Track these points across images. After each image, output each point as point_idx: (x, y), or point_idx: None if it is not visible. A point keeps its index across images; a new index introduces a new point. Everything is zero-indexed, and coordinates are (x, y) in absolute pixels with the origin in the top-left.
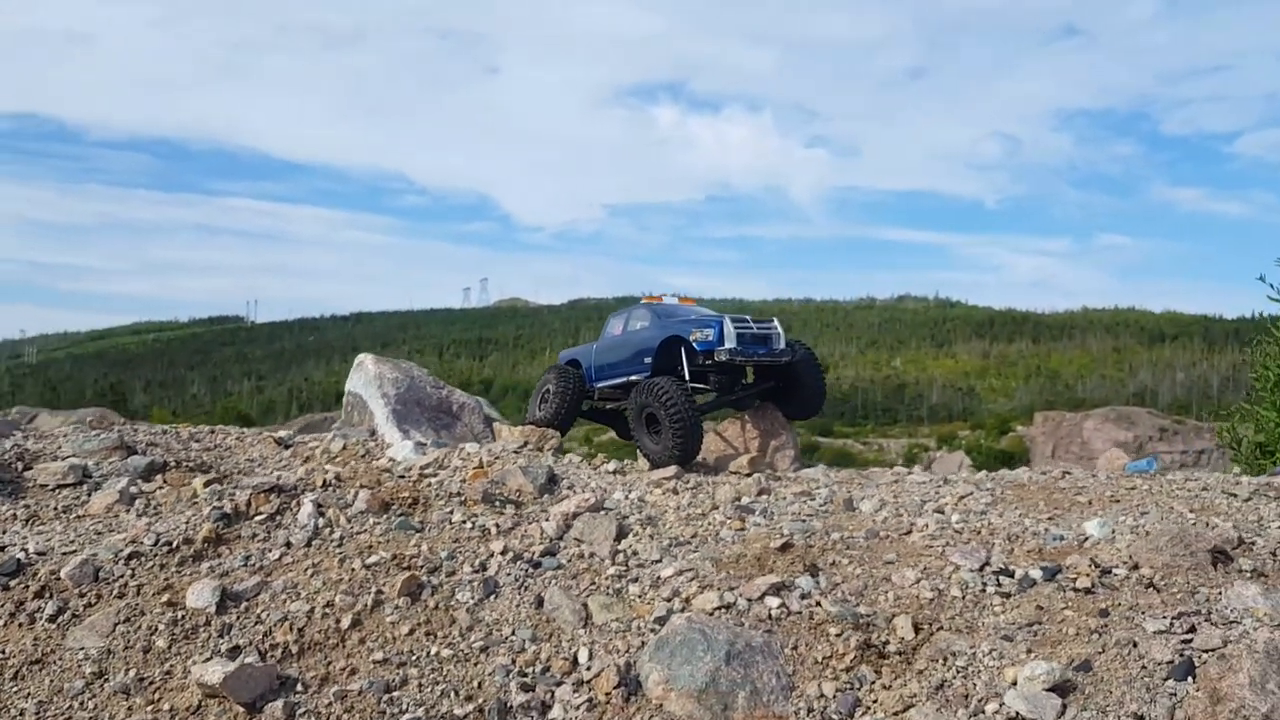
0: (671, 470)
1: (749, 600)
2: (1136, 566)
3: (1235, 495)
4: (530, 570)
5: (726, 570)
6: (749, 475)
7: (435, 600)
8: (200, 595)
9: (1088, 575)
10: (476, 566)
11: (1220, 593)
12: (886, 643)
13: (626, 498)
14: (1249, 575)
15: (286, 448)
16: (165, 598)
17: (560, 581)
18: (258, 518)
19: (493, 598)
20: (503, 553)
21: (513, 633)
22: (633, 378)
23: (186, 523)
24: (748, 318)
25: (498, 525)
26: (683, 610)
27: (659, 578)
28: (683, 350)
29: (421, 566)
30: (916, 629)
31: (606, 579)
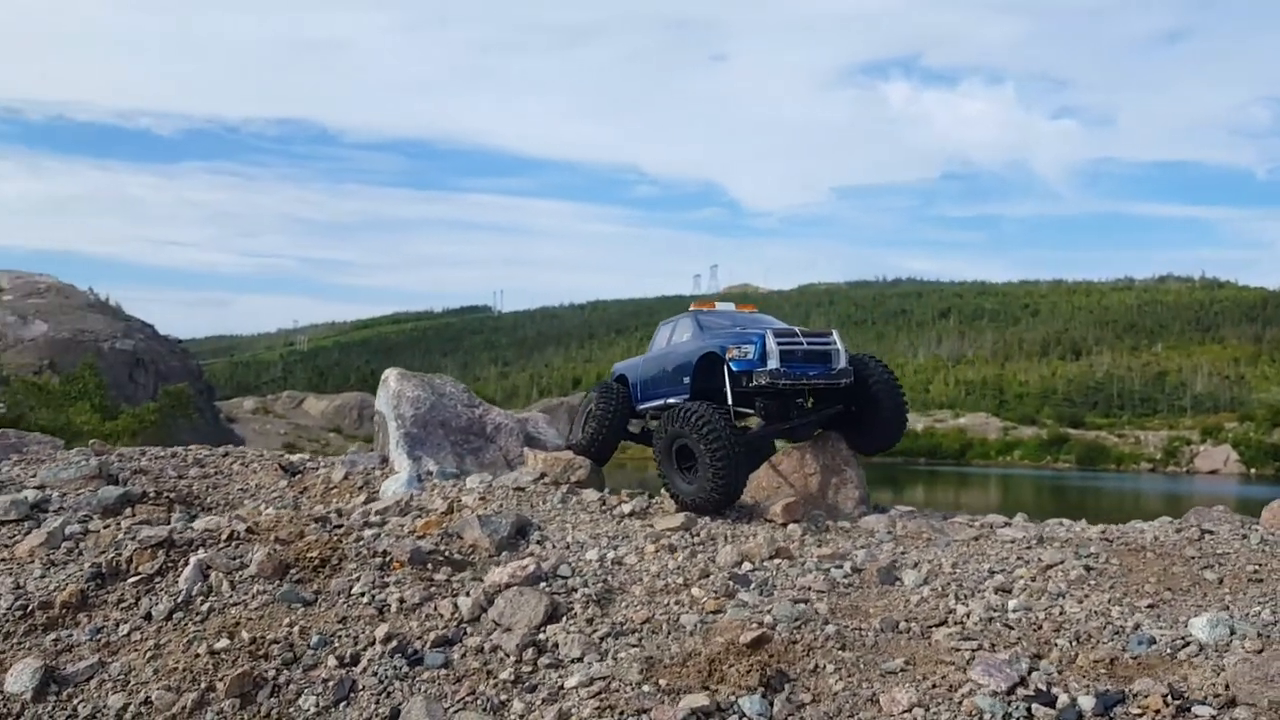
0: (679, 520)
1: None
2: (1232, 703)
3: None
4: (405, 670)
5: (656, 679)
6: (783, 524)
7: (270, 705)
8: (19, 678)
9: (1158, 711)
10: (345, 659)
11: None
12: None
13: (599, 560)
14: None
15: (293, 475)
16: None
17: (434, 688)
18: (133, 579)
19: (342, 705)
20: (384, 641)
21: None
22: (671, 400)
23: (54, 583)
24: (798, 330)
25: (401, 601)
26: None
27: (560, 689)
28: (725, 369)
29: (276, 657)
30: None
31: (496, 687)
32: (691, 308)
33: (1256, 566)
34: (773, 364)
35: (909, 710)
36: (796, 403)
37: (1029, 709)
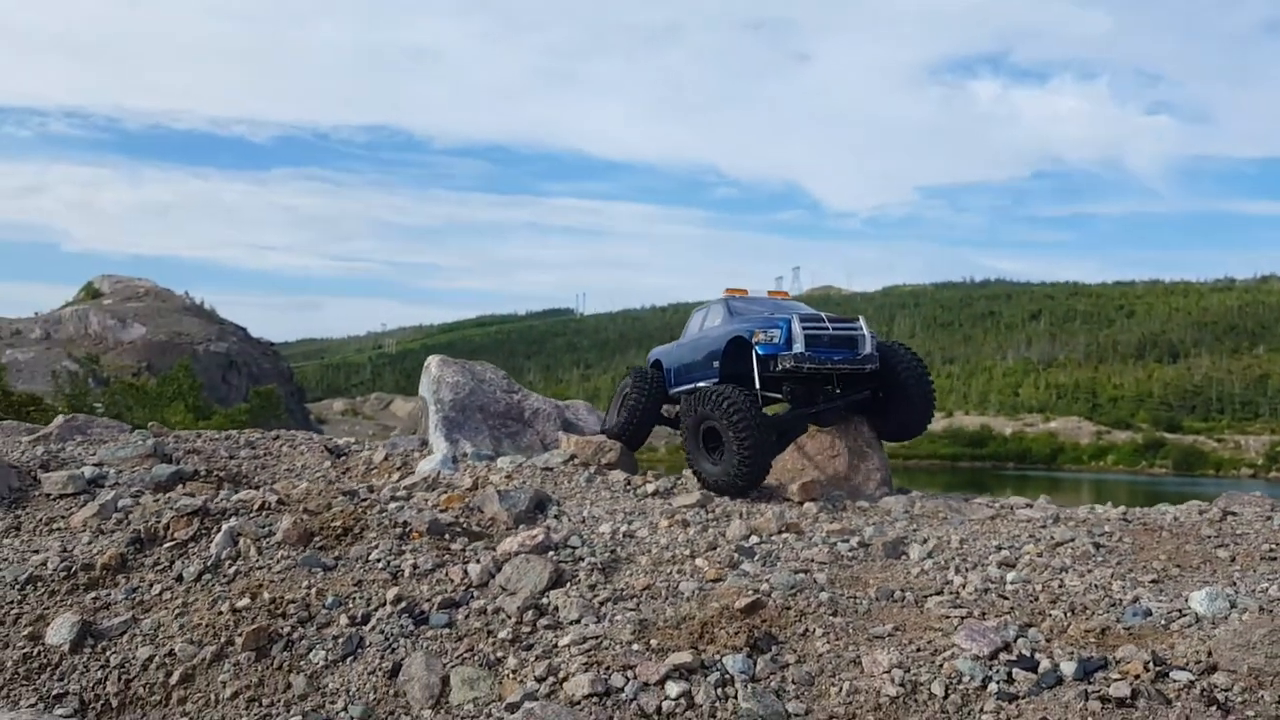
0: (696, 497)
1: (642, 686)
2: (1212, 670)
3: None
4: (410, 628)
5: (647, 639)
6: (800, 503)
7: (283, 658)
8: (59, 631)
9: (1138, 677)
10: (357, 618)
11: None
12: None
13: (612, 533)
14: None
15: (338, 456)
16: (30, 630)
17: (434, 645)
18: (169, 544)
19: (349, 660)
20: (394, 602)
21: (344, 708)
22: (701, 384)
23: (98, 548)
24: (824, 316)
25: (415, 567)
26: (549, 695)
27: (554, 647)
28: (753, 354)
29: (293, 615)
30: None
31: (494, 644)
32: (724, 293)
33: (1272, 545)
34: (798, 348)
35: (888, 671)
36: (824, 388)
37: (1009, 673)
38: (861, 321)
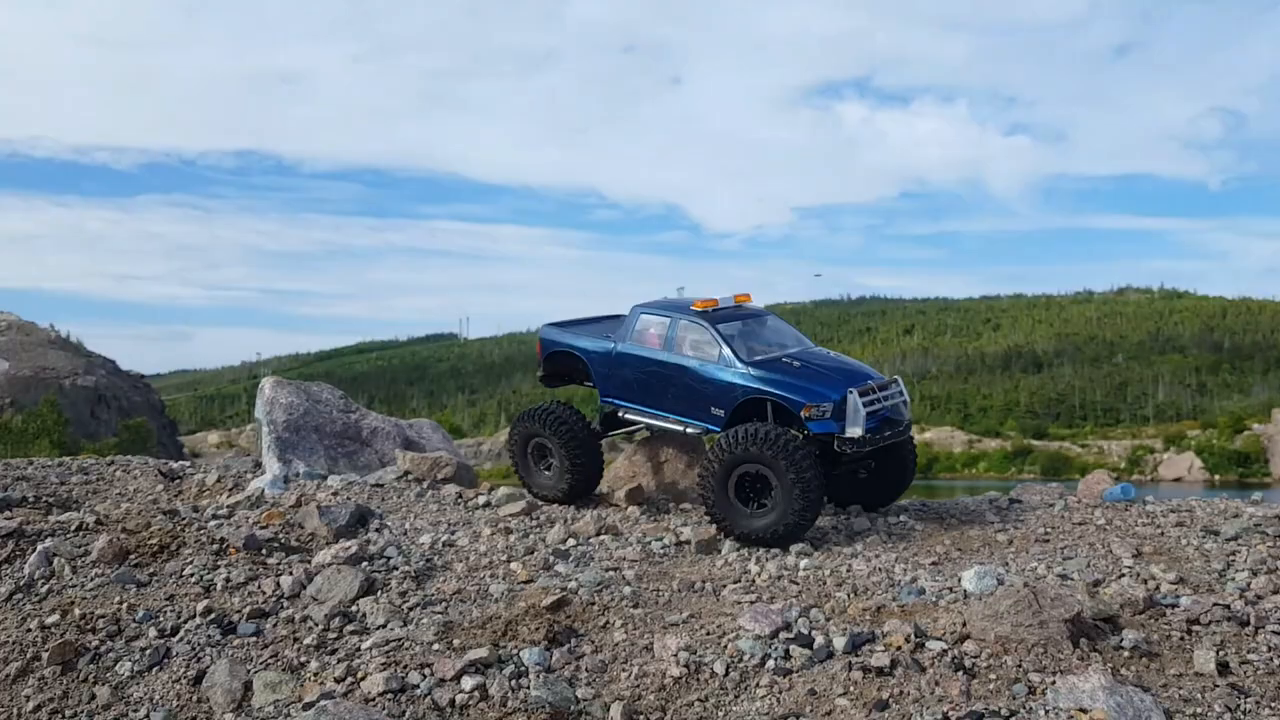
0: (521, 505)
1: (438, 681)
2: (964, 639)
3: (1218, 533)
4: (218, 638)
5: (450, 639)
6: (625, 508)
7: (89, 671)
8: None
9: (899, 648)
10: (166, 631)
11: (1052, 683)
12: None
13: (431, 544)
14: (1114, 657)
15: (172, 480)
16: None
17: (240, 653)
18: None
19: (155, 670)
20: (204, 614)
21: (146, 716)
22: (689, 430)
23: None
24: (871, 379)
25: (228, 580)
26: (346, 694)
27: (356, 649)
28: (769, 406)
29: (102, 630)
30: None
31: (298, 650)
32: (695, 306)
33: (1048, 529)
34: (855, 431)
35: (675, 654)
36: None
37: (787, 650)
38: (900, 384)
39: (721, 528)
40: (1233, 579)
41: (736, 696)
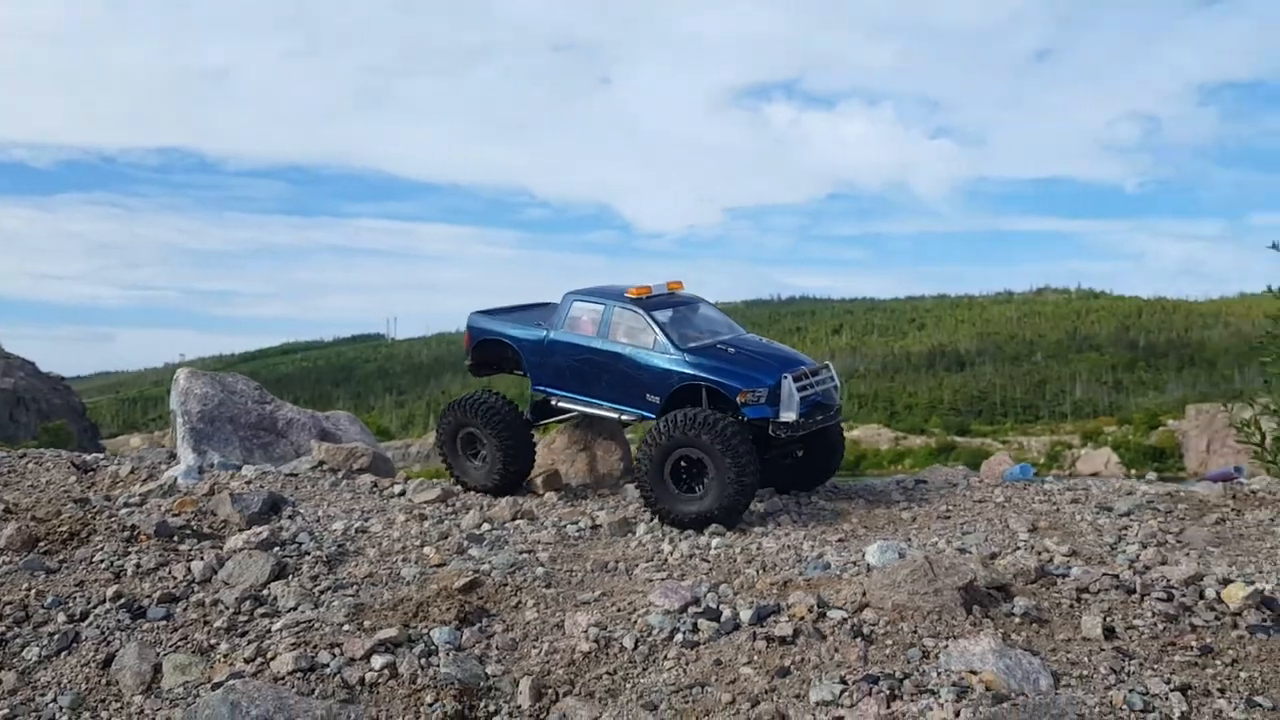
0: (437, 492)
1: (348, 661)
2: (864, 608)
3: (1111, 510)
4: (127, 622)
5: (360, 621)
6: (542, 494)
7: None
8: None
9: (802, 618)
10: (75, 616)
11: (945, 647)
12: (494, 713)
13: (344, 530)
14: (1005, 624)
15: (85, 471)
16: None
17: (150, 636)
18: None
19: (63, 654)
20: (114, 599)
21: (53, 699)
22: (624, 417)
23: None
24: (804, 365)
25: (138, 566)
26: (256, 674)
27: (267, 631)
28: (704, 392)
29: (9, 616)
30: (538, 695)
31: (209, 633)
32: (629, 293)
33: (950, 507)
34: (789, 416)
35: (585, 630)
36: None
37: (695, 623)
38: (831, 369)
39: (657, 512)
40: (1124, 551)
41: (644, 669)
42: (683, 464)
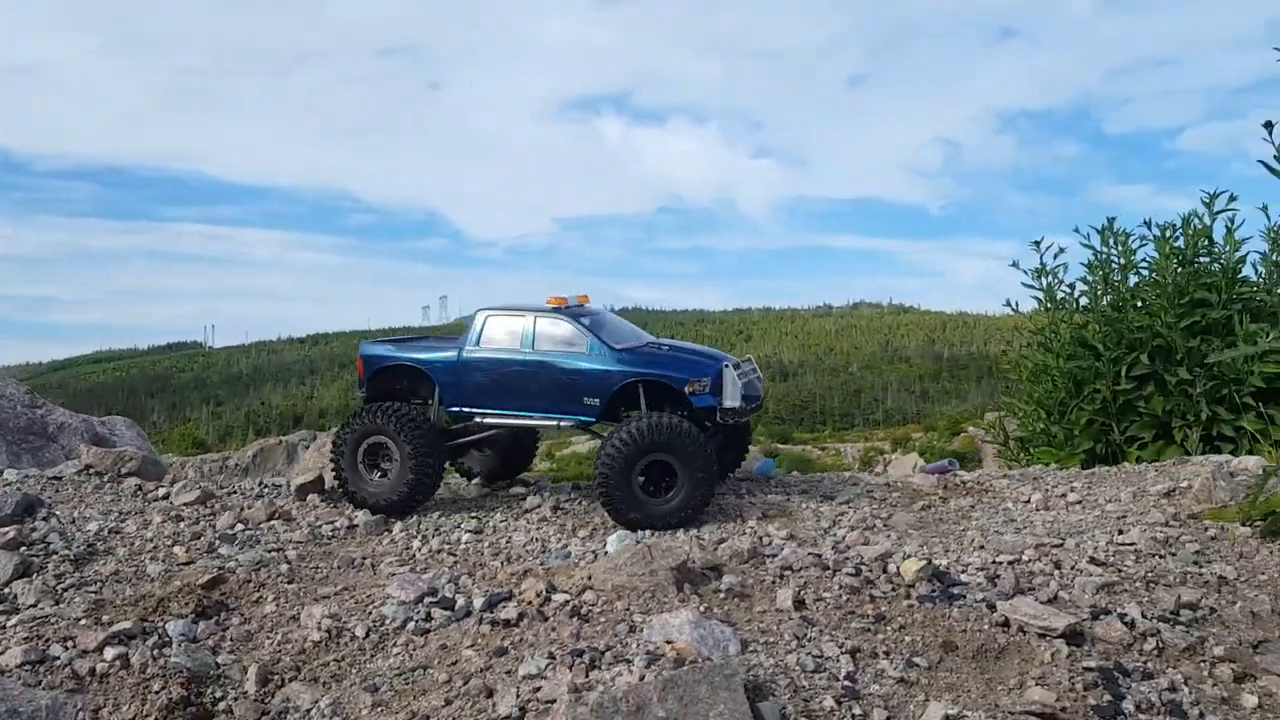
0: (195, 494)
1: (80, 653)
2: (587, 590)
3: (834, 498)
4: None
5: (98, 615)
6: (307, 497)
7: None
8: None
9: (530, 603)
10: None
11: (649, 622)
12: (220, 699)
13: (98, 531)
14: (711, 599)
15: None
16: None
17: None
18: None
19: None
20: None
21: None
22: (561, 424)
23: None
24: (730, 359)
25: None
26: None
27: (2, 627)
28: (641, 391)
29: None
30: (264, 681)
31: None
32: (549, 303)
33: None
34: (731, 402)
35: (319, 621)
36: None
37: (429, 612)
38: (754, 362)
39: (627, 521)
40: (834, 534)
41: (372, 655)
42: (651, 469)
